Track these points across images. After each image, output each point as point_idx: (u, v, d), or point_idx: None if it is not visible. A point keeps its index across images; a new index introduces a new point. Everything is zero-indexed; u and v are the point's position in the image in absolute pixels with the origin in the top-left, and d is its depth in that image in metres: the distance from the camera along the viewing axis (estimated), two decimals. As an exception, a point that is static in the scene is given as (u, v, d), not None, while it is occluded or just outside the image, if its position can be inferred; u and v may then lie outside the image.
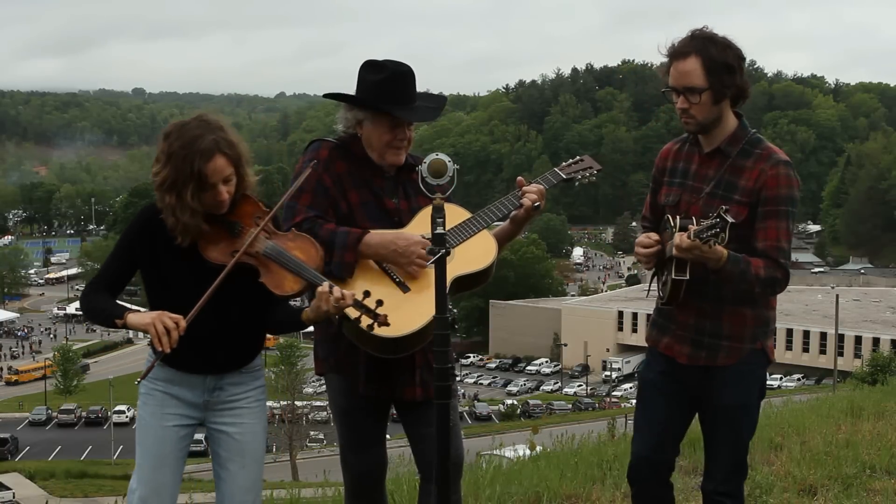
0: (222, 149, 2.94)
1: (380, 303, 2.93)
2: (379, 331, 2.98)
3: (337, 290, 2.90)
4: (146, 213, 3.05)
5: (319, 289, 2.92)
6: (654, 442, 3.30)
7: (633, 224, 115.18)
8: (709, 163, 3.18)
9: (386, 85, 3.22)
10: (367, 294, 2.93)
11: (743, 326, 3.17)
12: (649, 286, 3.40)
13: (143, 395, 3.09)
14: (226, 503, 3.11)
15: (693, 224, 2.96)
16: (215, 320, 2.99)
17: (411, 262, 3.15)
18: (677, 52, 3.10)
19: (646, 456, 3.31)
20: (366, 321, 2.92)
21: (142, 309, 3.02)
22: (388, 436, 3.50)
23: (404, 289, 3.17)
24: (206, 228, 2.99)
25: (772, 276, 3.05)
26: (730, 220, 2.82)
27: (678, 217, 3.06)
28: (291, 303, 3.14)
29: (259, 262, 2.99)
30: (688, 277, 3.05)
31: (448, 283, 3.11)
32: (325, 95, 3.40)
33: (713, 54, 3.05)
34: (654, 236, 3.22)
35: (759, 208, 3.08)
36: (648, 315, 3.55)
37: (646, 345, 3.46)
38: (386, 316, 2.93)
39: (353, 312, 2.93)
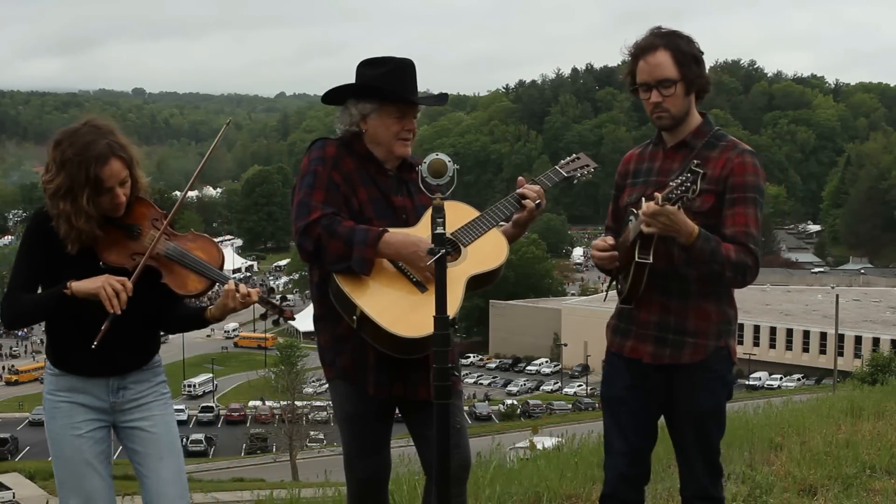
0: (116, 152, 2.98)
1: (283, 298, 2.99)
2: (401, 331, 3.01)
3: (243, 287, 3.00)
4: (38, 218, 3.04)
5: (226, 286, 3.01)
6: (630, 459, 3.24)
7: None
8: (673, 156, 3.16)
9: (391, 76, 3.24)
10: (271, 291, 2.99)
11: (708, 323, 3.12)
12: (606, 291, 3.35)
13: (49, 410, 3.09)
14: (153, 499, 3.12)
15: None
16: (117, 326, 2.99)
17: (429, 267, 3.12)
18: (645, 48, 3.09)
19: (622, 472, 3.24)
20: (272, 315, 3.00)
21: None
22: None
23: (422, 289, 3.16)
24: (99, 234, 3.01)
25: (743, 261, 2.99)
26: (702, 171, 2.79)
27: (643, 200, 2.98)
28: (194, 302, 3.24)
29: (161, 264, 3.05)
30: (651, 260, 2.99)
31: (464, 283, 3.15)
32: (326, 94, 3.36)
33: (681, 46, 3.07)
34: (610, 240, 3.18)
35: (727, 195, 3.05)
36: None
37: None
38: (292, 311, 3.06)
39: (260, 308, 3.05)
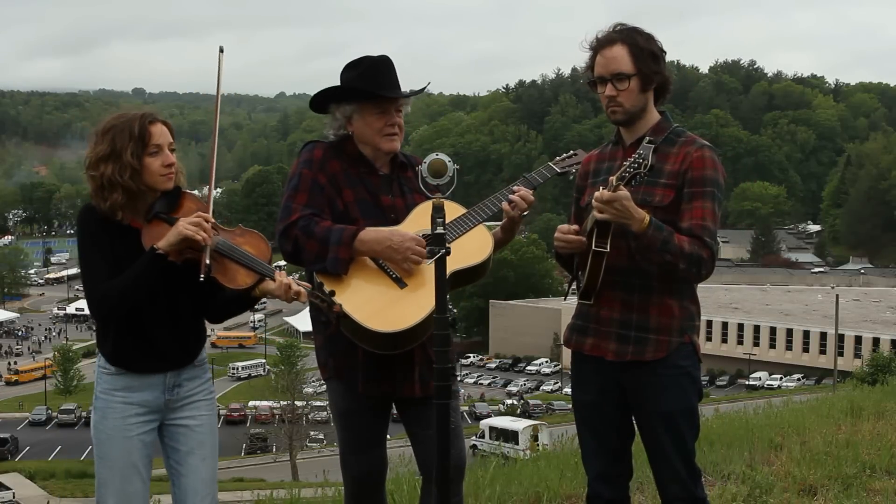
0: (162, 119, 3.05)
1: (332, 292, 3.00)
2: (376, 326, 3.03)
3: (294, 285, 3.00)
4: (88, 211, 3.02)
5: (282, 280, 3.00)
6: (608, 458, 3.21)
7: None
8: (633, 153, 3.11)
9: (366, 74, 3.28)
10: (320, 284, 3.03)
11: (671, 318, 3.07)
12: (568, 290, 3.31)
13: (101, 409, 3.06)
14: (188, 497, 3.10)
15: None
16: (168, 316, 3.03)
17: (406, 258, 3.16)
18: (603, 42, 3.10)
19: (601, 472, 3.22)
20: (322, 307, 3.00)
21: None
22: (388, 436, 3.50)
23: (401, 284, 3.19)
24: (147, 226, 3.00)
25: (697, 253, 2.96)
26: (654, 145, 2.80)
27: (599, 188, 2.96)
28: None
29: (210, 257, 3.02)
30: (608, 249, 2.97)
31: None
32: (311, 103, 3.41)
33: (639, 42, 3.07)
34: (575, 227, 3.16)
35: (685, 189, 3.03)
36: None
37: None
38: (341, 305, 3.00)
39: (306, 301, 3.03)
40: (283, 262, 3.84)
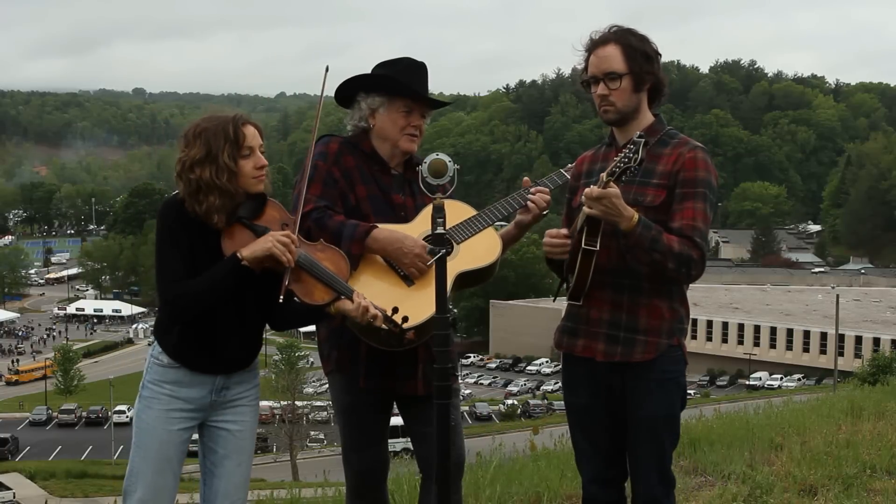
0: (253, 121, 3.04)
1: (406, 318, 3.00)
2: (379, 322, 3.02)
3: (372, 309, 2.97)
4: (170, 206, 2.98)
5: (362, 303, 2.97)
6: (603, 461, 3.20)
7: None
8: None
9: (404, 73, 3.35)
10: (395, 310, 3.02)
11: (660, 320, 3.06)
12: (557, 291, 3.30)
13: (147, 399, 3.05)
14: (217, 500, 3.09)
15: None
16: (236, 319, 3.01)
17: (413, 264, 3.19)
18: (596, 42, 3.12)
19: (597, 475, 3.20)
20: (394, 332, 3.01)
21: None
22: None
23: (409, 282, 3.22)
24: (229, 231, 2.97)
25: (687, 253, 2.95)
26: (644, 139, 2.79)
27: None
28: None
29: (290, 270, 3.00)
30: (597, 248, 2.96)
31: (452, 279, 3.15)
32: (339, 88, 3.42)
33: (632, 42, 3.08)
34: (564, 231, 3.16)
35: (677, 190, 3.02)
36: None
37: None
38: (413, 332, 3.01)
39: (381, 325, 3.00)
40: None
